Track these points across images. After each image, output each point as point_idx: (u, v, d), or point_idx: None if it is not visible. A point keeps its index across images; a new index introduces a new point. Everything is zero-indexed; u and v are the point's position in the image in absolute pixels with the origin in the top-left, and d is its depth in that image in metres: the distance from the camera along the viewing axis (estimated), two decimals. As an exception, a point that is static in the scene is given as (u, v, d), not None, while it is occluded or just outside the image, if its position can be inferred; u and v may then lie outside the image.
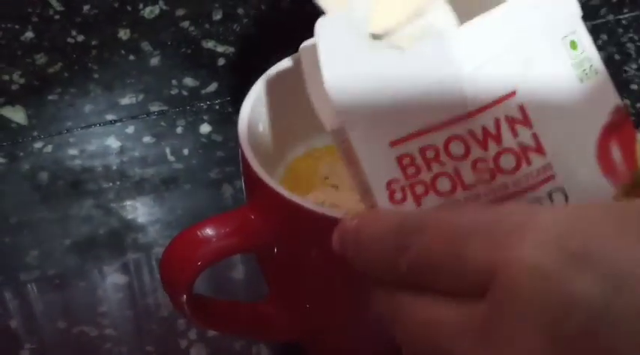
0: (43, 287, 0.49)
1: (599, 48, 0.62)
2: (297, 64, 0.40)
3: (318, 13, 0.57)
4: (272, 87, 0.39)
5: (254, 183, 0.35)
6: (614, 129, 0.31)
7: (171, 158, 0.56)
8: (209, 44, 0.57)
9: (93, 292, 0.48)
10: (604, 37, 0.64)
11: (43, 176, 0.55)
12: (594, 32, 0.64)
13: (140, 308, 0.48)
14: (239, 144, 0.36)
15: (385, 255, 0.27)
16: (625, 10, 0.65)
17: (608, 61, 0.61)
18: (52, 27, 0.53)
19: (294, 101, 0.40)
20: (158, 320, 0.47)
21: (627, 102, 0.59)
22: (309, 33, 0.45)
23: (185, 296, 0.36)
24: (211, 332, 0.46)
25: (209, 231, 0.35)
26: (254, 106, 0.38)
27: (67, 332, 0.46)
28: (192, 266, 0.35)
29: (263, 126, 0.39)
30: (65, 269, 0.50)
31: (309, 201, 0.33)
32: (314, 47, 0.32)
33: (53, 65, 0.55)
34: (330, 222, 0.32)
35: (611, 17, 0.65)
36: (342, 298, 0.38)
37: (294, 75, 0.39)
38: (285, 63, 0.40)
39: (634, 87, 0.60)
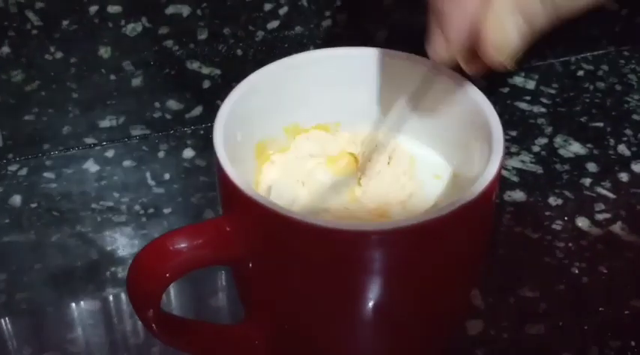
0: (11, 313, 0.47)
1: (600, 79, 0.61)
2: (278, 71, 0.39)
3: (306, 34, 0.57)
4: (251, 94, 0.38)
5: (229, 190, 0.34)
6: None
7: (151, 182, 0.55)
8: (194, 65, 0.56)
9: (63, 319, 0.47)
10: (605, 68, 0.63)
11: (16, 200, 0.54)
12: (595, 63, 0.63)
13: (113, 336, 0.46)
14: (214, 152, 0.35)
15: None
16: (626, 42, 0.65)
17: (609, 92, 0.61)
18: (29, 42, 0.52)
19: (273, 110, 0.40)
20: (131, 348, 0.45)
21: (629, 133, 0.57)
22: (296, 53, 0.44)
23: (152, 310, 0.34)
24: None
25: (180, 242, 0.34)
26: (232, 112, 0.37)
27: (32, 359, 0.45)
28: (160, 278, 0.34)
29: (241, 136, 0.38)
30: (35, 297, 0.48)
31: (291, 210, 0.32)
32: None
33: (30, 83, 0.54)
34: (316, 232, 0.32)
35: (612, 48, 0.65)
36: (326, 319, 0.36)
37: (274, 83, 0.39)
38: (265, 71, 0.39)
39: (636, 117, 0.59)
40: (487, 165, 0.34)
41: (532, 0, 0.33)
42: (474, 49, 0.34)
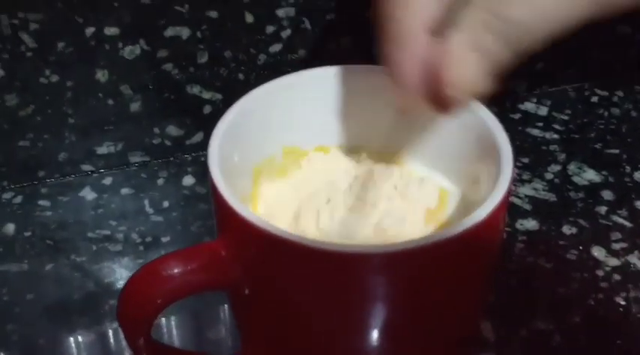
0: (1, 346, 0.46)
1: (615, 104, 0.60)
2: (275, 90, 0.38)
3: (310, 57, 0.56)
4: (248, 114, 0.37)
5: (224, 211, 0.33)
6: None
7: (150, 211, 0.54)
8: (194, 90, 0.55)
9: (57, 353, 0.46)
10: (619, 93, 0.62)
11: (10, 228, 0.53)
12: (609, 88, 0.62)
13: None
14: (208, 172, 0.34)
15: None
16: (642, 67, 0.64)
17: (624, 118, 0.60)
18: (23, 65, 0.51)
19: (271, 130, 0.39)
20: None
21: (646, 160, 0.56)
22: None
23: (143, 339, 0.33)
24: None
25: (172, 266, 0.33)
26: (228, 131, 0.36)
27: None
28: (152, 304, 0.33)
29: (238, 157, 0.37)
30: (27, 329, 0.47)
31: (290, 233, 0.31)
32: None
33: (24, 108, 0.53)
34: (317, 255, 0.31)
35: (626, 74, 0.64)
36: (327, 346, 0.35)
37: (271, 102, 0.38)
38: (262, 89, 0.38)
39: (653, 145, 0.58)
40: (495, 187, 0.33)
41: (486, 38, 0.32)
42: (436, 91, 0.33)
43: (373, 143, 0.41)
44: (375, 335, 0.34)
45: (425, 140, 0.40)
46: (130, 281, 0.33)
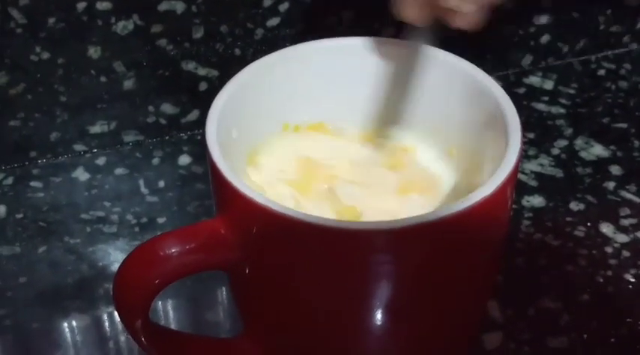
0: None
1: (623, 78, 0.60)
2: (273, 64, 0.38)
3: (309, 31, 0.55)
4: (248, 88, 0.37)
5: (223, 188, 0.33)
6: None
7: (145, 191, 0.53)
8: (189, 66, 0.55)
9: (50, 338, 0.46)
10: (627, 66, 0.62)
11: (1, 210, 0.52)
12: (616, 61, 0.62)
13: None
14: (205, 147, 0.33)
15: None
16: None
17: (632, 92, 0.59)
18: (13, 42, 0.51)
19: (271, 106, 0.39)
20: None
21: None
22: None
23: (140, 321, 0.33)
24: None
25: (170, 246, 0.33)
26: (226, 107, 0.36)
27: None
28: (149, 285, 0.33)
29: (237, 131, 0.37)
30: (20, 313, 0.47)
31: (292, 209, 0.31)
32: None
33: (15, 86, 0.53)
34: (320, 232, 0.30)
35: (634, 46, 0.63)
36: (330, 327, 0.35)
37: (270, 76, 0.38)
38: (259, 63, 0.38)
39: (661, 119, 0.57)
40: (503, 160, 0.33)
41: None
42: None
43: (373, 118, 0.41)
44: (379, 315, 0.34)
45: (428, 113, 0.39)
46: (126, 262, 0.33)
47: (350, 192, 0.38)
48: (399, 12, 0.36)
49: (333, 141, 0.41)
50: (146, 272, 0.33)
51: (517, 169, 0.33)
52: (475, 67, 0.37)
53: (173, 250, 0.33)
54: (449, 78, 0.38)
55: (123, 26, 0.52)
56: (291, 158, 0.39)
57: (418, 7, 0.35)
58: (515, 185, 0.35)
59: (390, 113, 0.40)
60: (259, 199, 0.31)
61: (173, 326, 0.46)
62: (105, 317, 0.47)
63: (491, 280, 0.41)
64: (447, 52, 0.38)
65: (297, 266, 0.33)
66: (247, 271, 0.34)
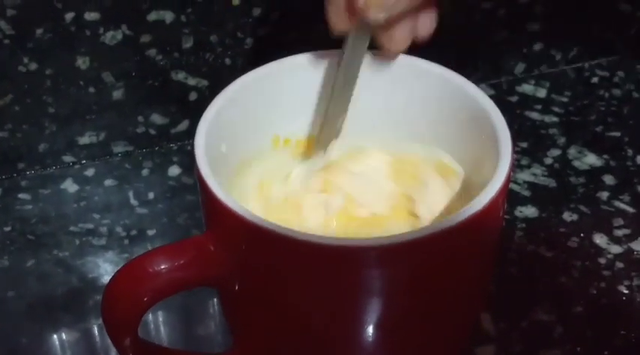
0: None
1: (616, 85, 0.60)
2: (266, 76, 0.38)
3: (298, 41, 0.56)
4: (237, 101, 0.37)
5: (212, 204, 0.33)
6: None
7: (134, 202, 0.54)
8: (179, 76, 0.55)
9: (40, 352, 0.46)
10: (621, 74, 0.62)
11: (-11, 223, 0.53)
12: (609, 69, 0.62)
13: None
14: (194, 162, 0.34)
15: None
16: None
17: (625, 100, 0.59)
18: (0, 53, 0.51)
19: (260, 119, 0.39)
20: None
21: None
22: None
23: (129, 339, 0.33)
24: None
25: (159, 262, 0.33)
26: (215, 119, 0.36)
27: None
28: (138, 302, 0.33)
29: (226, 147, 0.37)
30: (8, 328, 0.47)
31: (281, 226, 0.31)
32: None
33: (2, 97, 0.53)
34: (310, 249, 0.31)
35: (628, 53, 0.64)
36: (321, 343, 0.35)
37: (263, 88, 0.38)
38: (249, 77, 0.38)
39: (656, 127, 0.58)
40: (494, 174, 0.33)
41: None
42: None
43: (366, 129, 0.41)
44: (370, 330, 0.34)
45: (422, 124, 0.40)
46: (114, 279, 0.33)
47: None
48: (330, 24, 0.37)
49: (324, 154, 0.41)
50: (135, 289, 0.33)
51: (508, 183, 0.33)
52: (464, 78, 0.37)
53: (162, 266, 0.33)
54: (440, 90, 0.38)
55: (112, 36, 0.53)
56: (282, 171, 0.39)
57: (343, 17, 0.36)
58: (507, 198, 0.35)
59: (384, 124, 0.41)
60: (248, 216, 0.31)
61: (163, 339, 0.46)
62: (95, 330, 0.47)
63: (483, 293, 0.41)
64: (438, 65, 0.38)
65: (286, 282, 0.33)
66: (237, 287, 0.34)
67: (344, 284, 0.32)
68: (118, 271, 0.33)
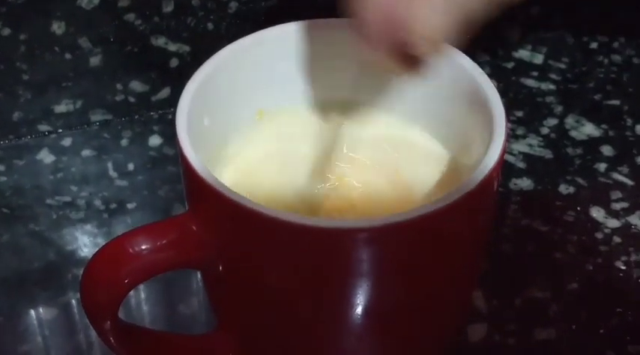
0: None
1: (615, 51, 0.60)
2: (250, 47, 0.38)
3: (285, 5, 0.55)
4: (220, 73, 0.37)
5: (195, 183, 0.33)
6: None
7: (113, 174, 0.54)
8: (159, 41, 0.55)
9: (17, 328, 0.46)
10: (621, 39, 0.62)
11: (-38, 195, 0.53)
12: (610, 33, 0.62)
13: (69, 348, 0.45)
14: (176, 138, 0.34)
15: None
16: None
17: (626, 66, 0.60)
18: (-29, 18, 0.51)
19: (245, 91, 0.39)
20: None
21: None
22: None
23: (109, 322, 0.33)
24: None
25: (139, 243, 0.33)
26: (197, 93, 0.36)
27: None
28: (118, 285, 0.33)
29: (209, 120, 0.37)
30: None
31: (266, 207, 0.31)
32: None
33: (-26, 64, 0.53)
34: (296, 231, 0.31)
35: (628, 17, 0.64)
36: (307, 326, 0.36)
37: (245, 60, 0.38)
38: (236, 46, 0.38)
39: (657, 95, 0.58)
40: (487, 151, 0.33)
41: None
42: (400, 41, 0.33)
43: (351, 100, 0.41)
44: (359, 313, 0.34)
45: (408, 97, 0.40)
46: (93, 260, 0.33)
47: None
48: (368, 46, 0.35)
49: (313, 125, 0.41)
50: (115, 271, 0.33)
51: (502, 161, 0.34)
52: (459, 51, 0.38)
53: (143, 247, 0.33)
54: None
55: (88, 0, 0.52)
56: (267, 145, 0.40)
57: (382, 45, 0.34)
58: (501, 173, 0.35)
59: (373, 96, 0.41)
60: (232, 195, 0.31)
61: (144, 317, 0.46)
62: (74, 305, 0.47)
63: (478, 271, 0.42)
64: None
65: (272, 264, 0.33)
66: (220, 268, 0.34)
67: (332, 267, 0.32)
68: (97, 252, 0.33)
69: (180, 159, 0.34)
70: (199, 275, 0.47)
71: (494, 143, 0.34)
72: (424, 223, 0.31)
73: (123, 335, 0.35)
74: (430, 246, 0.33)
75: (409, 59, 0.34)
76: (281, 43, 0.39)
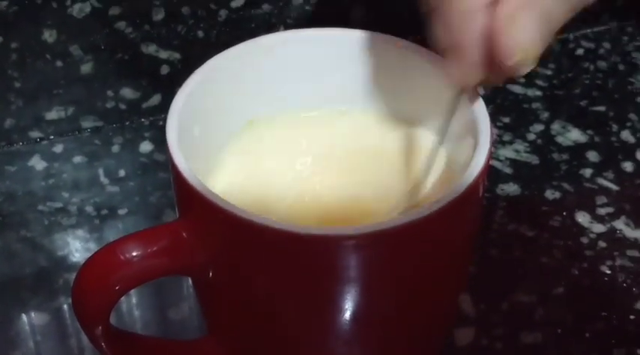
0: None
1: (601, 57, 0.61)
2: (241, 55, 0.38)
3: (275, 12, 0.56)
4: (210, 82, 0.38)
5: (185, 191, 0.33)
6: None
7: (104, 180, 0.54)
8: (150, 49, 0.55)
9: (8, 334, 0.46)
10: (607, 45, 0.63)
11: (-46, 201, 0.53)
12: (595, 40, 0.63)
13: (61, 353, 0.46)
14: (166, 147, 0.34)
15: None
16: (629, 16, 0.64)
17: (611, 73, 0.60)
18: (-37, 26, 0.51)
19: (235, 101, 0.39)
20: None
21: (634, 117, 0.57)
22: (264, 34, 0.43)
23: (101, 327, 0.34)
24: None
25: (130, 249, 0.34)
26: (187, 103, 0.36)
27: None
28: (109, 291, 0.33)
29: (199, 129, 0.37)
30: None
31: (255, 214, 0.31)
32: None
33: (-34, 72, 0.53)
34: (284, 238, 0.31)
35: (614, 24, 0.64)
36: (296, 332, 0.36)
37: (236, 69, 0.38)
38: (226, 55, 0.39)
39: (640, 100, 0.58)
40: (472, 159, 0.34)
41: None
42: (489, 58, 0.33)
43: (341, 107, 0.41)
44: (348, 319, 0.34)
45: (402, 101, 0.40)
46: (85, 267, 0.33)
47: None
48: (457, 79, 0.35)
49: (302, 134, 0.41)
50: (106, 277, 0.33)
51: (487, 168, 0.34)
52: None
53: (134, 254, 0.33)
54: (422, 68, 0.39)
55: (79, 8, 0.53)
56: (257, 154, 0.40)
57: (475, 71, 0.34)
58: (488, 179, 0.36)
59: (363, 104, 0.41)
60: (222, 203, 0.32)
61: (136, 322, 0.47)
62: (65, 309, 0.47)
63: (465, 276, 0.42)
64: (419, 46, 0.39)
65: (260, 270, 0.33)
66: (211, 275, 0.34)
67: (321, 273, 0.33)
68: (88, 259, 0.34)
69: (171, 167, 0.34)
70: (190, 281, 0.48)
71: (479, 151, 0.34)
72: (411, 230, 0.32)
73: (114, 340, 0.35)
74: (417, 252, 0.33)
75: (498, 71, 0.34)
76: (270, 53, 0.39)
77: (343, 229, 0.32)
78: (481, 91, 0.37)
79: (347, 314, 0.34)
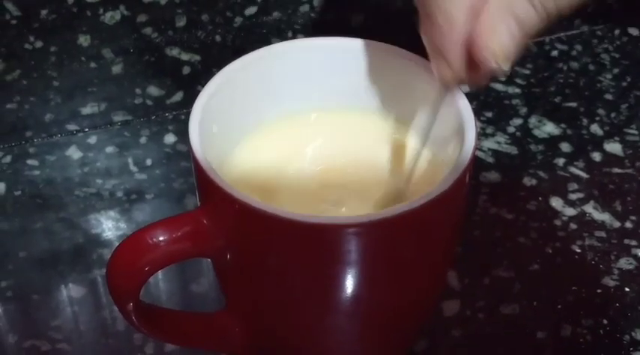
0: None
1: (573, 58, 0.60)
2: (254, 62, 0.38)
3: (284, 19, 0.56)
4: (229, 84, 0.37)
5: (205, 183, 0.33)
6: None
7: (133, 168, 0.54)
8: (173, 52, 0.55)
9: (49, 305, 0.46)
10: (578, 47, 0.62)
11: (0, 187, 0.53)
12: (568, 43, 0.63)
13: (96, 322, 0.46)
14: (189, 143, 0.34)
15: None
16: (599, 21, 0.64)
17: (582, 72, 0.60)
18: (8, 32, 0.51)
19: (252, 102, 0.39)
20: (114, 335, 0.45)
21: (602, 112, 0.57)
22: (276, 40, 0.43)
23: (132, 303, 0.34)
24: (169, 347, 0.43)
25: (158, 235, 0.34)
26: (207, 104, 0.36)
27: (17, 347, 0.44)
28: (139, 272, 0.33)
29: (217, 127, 0.37)
30: (20, 284, 0.48)
31: (267, 204, 0.32)
32: None
33: (11, 72, 0.53)
34: (290, 226, 0.31)
35: (585, 28, 0.64)
36: (302, 309, 0.36)
37: (251, 74, 0.38)
38: (245, 60, 0.38)
39: (608, 97, 0.58)
40: (460, 154, 0.34)
41: (522, 3, 0.33)
42: (471, 60, 0.34)
43: (350, 108, 0.41)
44: (348, 299, 0.35)
45: (397, 102, 0.40)
46: (117, 251, 0.34)
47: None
48: (440, 78, 0.35)
49: (312, 134, 0.41)
50: (137, 260, 0.33)
51: (473, 161, 0.34)
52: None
53: (161, 239, 0.33)
54: (409, 73, 0.39)
55: (110, 16, 0.53)
56: (270, 150, 0.40)
57: (457, 71, 0.34)
58: (472, 170, 0.36)
59: (370, 104, 0.41)
60: (237, 194, 0.32)
61: (161, 296, 0.47)
62: (99, 279, 0.48)
63: (453, 254, 0.42)
64: (407, 52, 0.38)
65: (271, 254, 0.33)
66: (228, 257, 0.35)
67: (325, 257, 0.33)
68: (120, 243, 0.34)
69: (192, 161, 0.34)
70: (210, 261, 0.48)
71: (465, 147, 0.34)
72: (407, 218, 0.32)
73: (143, 314, 0.35)
74: (412, 237, 0.33)
75: (477, 72, 0.34)
76: (284, 58, 0.39)
77: (345, 218, 0.32)
78: (466, 90, 0.37)
79: (348, 292, 0.34)
